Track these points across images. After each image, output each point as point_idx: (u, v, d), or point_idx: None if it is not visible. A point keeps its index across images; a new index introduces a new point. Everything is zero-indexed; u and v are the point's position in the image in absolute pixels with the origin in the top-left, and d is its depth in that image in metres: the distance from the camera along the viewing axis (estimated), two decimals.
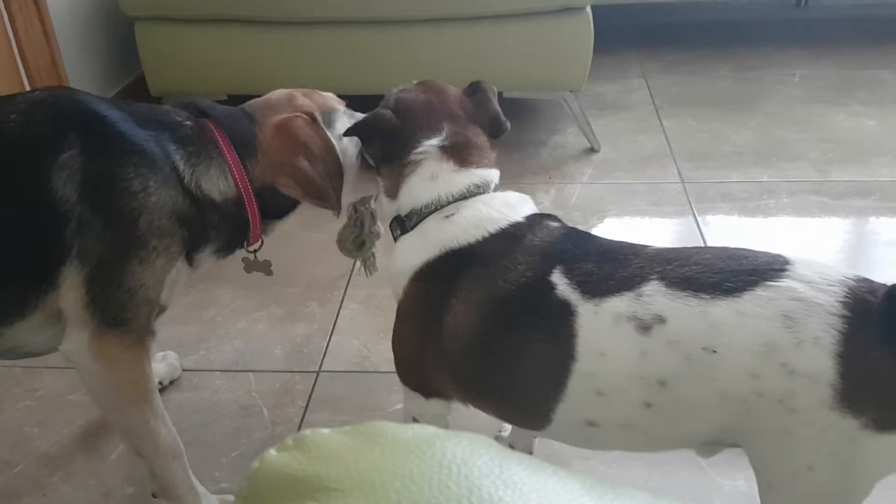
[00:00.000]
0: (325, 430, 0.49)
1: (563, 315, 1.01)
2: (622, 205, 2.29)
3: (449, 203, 1.16)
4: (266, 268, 1.47)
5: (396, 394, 1.64)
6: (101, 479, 1.48)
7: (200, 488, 1.36)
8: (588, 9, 2.39)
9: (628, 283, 1.00)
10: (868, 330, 0.91)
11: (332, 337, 1.81)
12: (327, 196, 1.32)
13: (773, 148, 2.56)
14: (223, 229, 1.32)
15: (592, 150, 2.59)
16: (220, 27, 2.46)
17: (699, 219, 2.19)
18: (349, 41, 2.45)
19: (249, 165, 1.31)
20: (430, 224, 1.16)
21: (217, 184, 1.28)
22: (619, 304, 0.99)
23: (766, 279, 0.95)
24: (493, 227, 1.13)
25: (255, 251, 1.42)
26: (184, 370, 1.72)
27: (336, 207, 1.34)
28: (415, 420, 1.22)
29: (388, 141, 1.21)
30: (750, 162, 2.48)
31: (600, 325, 0.99)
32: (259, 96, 2.89)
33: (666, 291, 0.97)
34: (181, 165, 1.25)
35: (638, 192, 2.35)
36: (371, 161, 1.29)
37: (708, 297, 0.95)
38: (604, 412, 1.02)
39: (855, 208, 2.22)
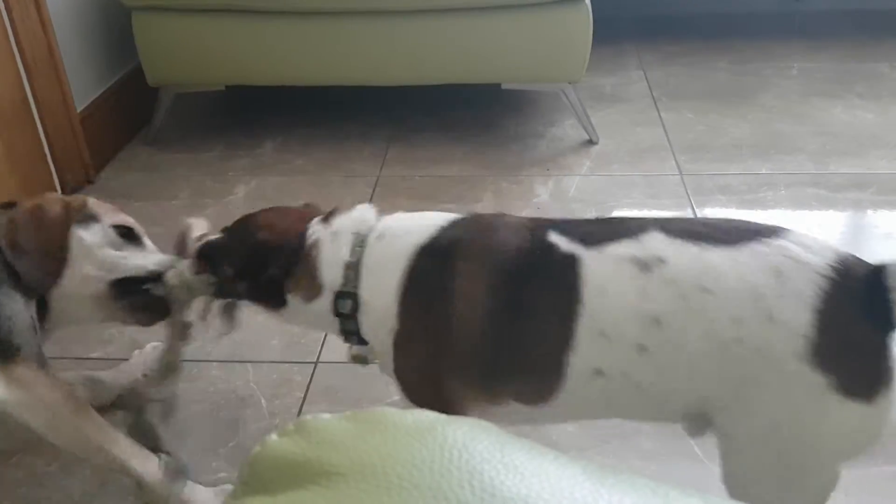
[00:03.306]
0: (327, 416, 0.49)
1: (569, 265, 1.05)
2: (620, 197, 2.29)
3: (367, 231, 1.18)
4: None
5: (393, 385, 1.64)
6: (97, 468, 1.48)
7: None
8: (587, 0, 2.39)
9: (629, 233, 1.05)
10: (850, 296, 0.95)
11: None
12: (25, 261, 1.35)
13: (771, 140, 2.56)
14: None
15: (591, 143, 2.59)
16: (218, 17, 2.46)
17: (697, 211, 2.19)
18: (346, 32, 2.44)
19: None
20: (373, 253, 1.16)
21: None
22: (620, 248, 1.04)
23: (762, 237, 1.00)
24: (440, 220, 1.17)
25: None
26: (181, 361, 1.72)
27: (29, 279, 1.36)
28: None
29: (284, 261, 1.20)
30: (748, 154, 2.48)
31: (603, 265, 1.04)
32: (257, 88, 2.89)
33: (666, 239, 1.02)
34: None
35: (636, 184, 2.35)
36: (278, 296, 1.24)
37: (707, 244, 1.00)
38: (608, 357, 1.04)
39: (853, 201, 2.22)
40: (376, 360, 1.28)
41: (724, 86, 2.98)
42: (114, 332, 1.81)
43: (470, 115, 2.79)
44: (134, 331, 1.81)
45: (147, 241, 1.52)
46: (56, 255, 1.41)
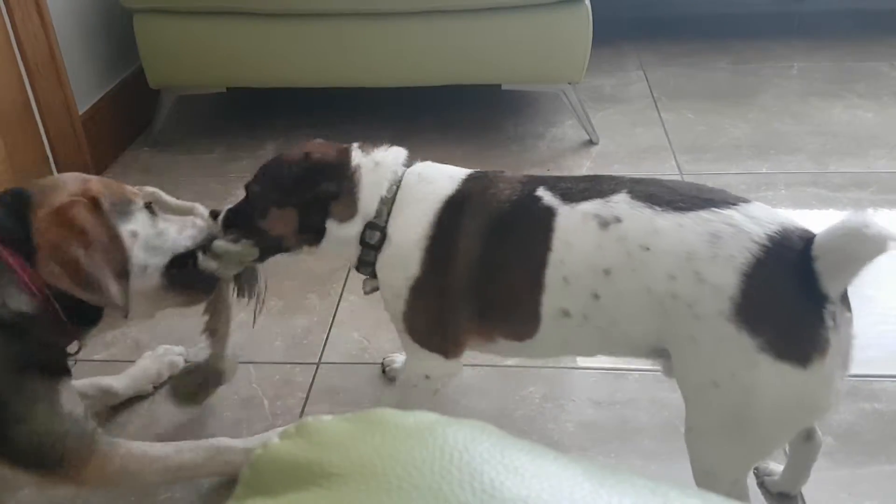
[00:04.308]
0: (327, 417, 0.49)
1: (547, 216, 1.16)
2: None
3: (402, 173, 1.28)
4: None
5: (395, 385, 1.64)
6: None
7: (251, 441, 1.41)
8: (587, 1, 2.39)
9: (601, 193, 1.15)
10: (781, 263, 1.01)
11: (332, 329, 1.82)
12: (101, 289, 1.19)
13: (770, 140, 2.56)
14: (48, 340, 1.23)
15: (591, 143, 2.59)
16: (220, 19, 2.46)
17: None
18: (347, 34, 2.45)
19: (38, 264, 1.18)
20: (410, 196, 1.26)
21: (20, 299, 1.17)
22: (589, 206, 1.14)
23: (714, 206, 1.07)
24: (462, 174, 1.28)
25: (76, 353, 1.33)
26: (185, 362, 1.72)
27: (118, 306, 1.23)
28: (427, 378, 1.33)
29: (336, 177, 1.27)
30: (748, 154, 2.48)
31: (571, 220, 1.15)
32: (258, 89, 2.90)
33: (629, 201, 1.12)
34: None
35: None
36: (322, 220, 1.28)
37: (660, 209, 1.09)
38: (570, 299, 1.15)
39: (853, 200, 2.22)
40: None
41: (724, 86, 2.98)
42: (116, 333, 1.82)
43: (470, 115, 2.79)
44: (137, 332, 1.82)
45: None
46: (121, 267, 1.24)
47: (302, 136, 2.68)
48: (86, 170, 2.43)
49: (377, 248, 1.26)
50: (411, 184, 1.26)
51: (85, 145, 2.42)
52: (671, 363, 1.17)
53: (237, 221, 1.32)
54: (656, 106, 2.83)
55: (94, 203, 1.23)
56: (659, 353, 1.17)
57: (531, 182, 1.22)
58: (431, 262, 1.23)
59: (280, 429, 1.31)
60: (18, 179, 2.19)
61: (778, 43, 3.30)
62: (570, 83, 2.52)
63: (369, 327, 1.81)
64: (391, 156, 1.30)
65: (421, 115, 2.80)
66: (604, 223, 1.11)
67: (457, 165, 1.33)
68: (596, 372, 1.65)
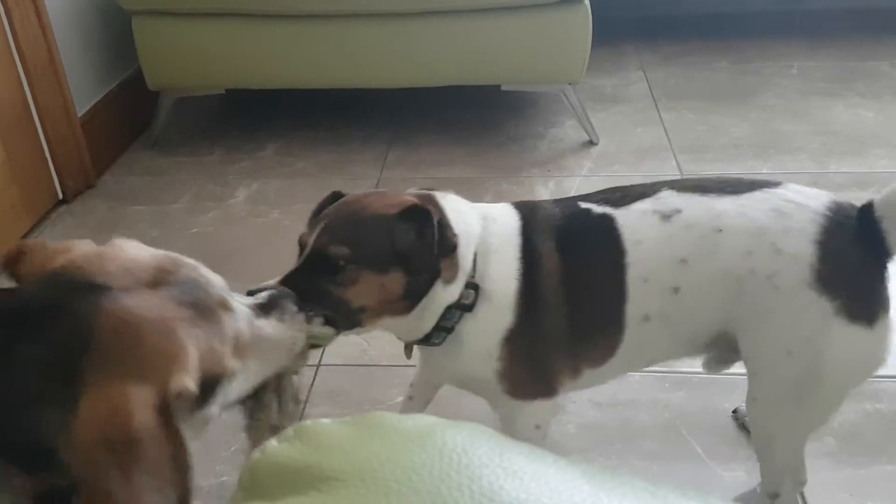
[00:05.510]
0: (326, 421, 0.49)
1: (608, 224, 1.15)
2: None
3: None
4: None
5: (396, 387, 1.64)
6: None
7: None
8: (586, 1, 2.39)
9: (645, 194, 1.16)
10: (844, 230, 1.08)
11: None
12: None
13: (771, 140, 2.55)
14: None
15: (591, 143, 2.59)
16: (218, 21, 2.46)
17: None
18: (347, 35, 2.45)
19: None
20: (489, 243, 1.13)
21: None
22: (642, 205, 1.15)
23: (763, 188, 1.13)
24: (506, 206, 1.21)
25: None
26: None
27: None
28: (537, 428, 1.21)
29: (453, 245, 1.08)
30: (749, 154, 2.48)
31: (632, 219, 1.14)
32: (258, 91, 2.87)
33: (677, 194, 1.14)
34: None
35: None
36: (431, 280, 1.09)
37: (714, 195, 1.13)
38: (651, 300, 1.14)
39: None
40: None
41: (725, 85, 2.98)
42: None
43: (470, 116, 2.79)
44: None
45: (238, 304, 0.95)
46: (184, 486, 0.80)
47: (302, 138, 2.69)
48: (85, 172, 2.43)
49: (470, 308, 1.11)
50: (483, 228, 1.14)
51: (84, 148, 2.41)
52: (715, 357, 1.24)
53: (307, 294, 1.03)
54: (656, 106, 2.83)
55: (162, 412, 0.77)
56: (715, 343, 1.19)
57: (565, 202, 1.20)
58: (526, 305, 1.13)
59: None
60: (18, 182, 2.19)
61: (778, 42, 3.30)
62: (570, 83, 2.52)
63: None
64: (455, 200, 1.15)
65: (421, 116, 2.79)
66: (665, 216, 1.13)
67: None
68: None
